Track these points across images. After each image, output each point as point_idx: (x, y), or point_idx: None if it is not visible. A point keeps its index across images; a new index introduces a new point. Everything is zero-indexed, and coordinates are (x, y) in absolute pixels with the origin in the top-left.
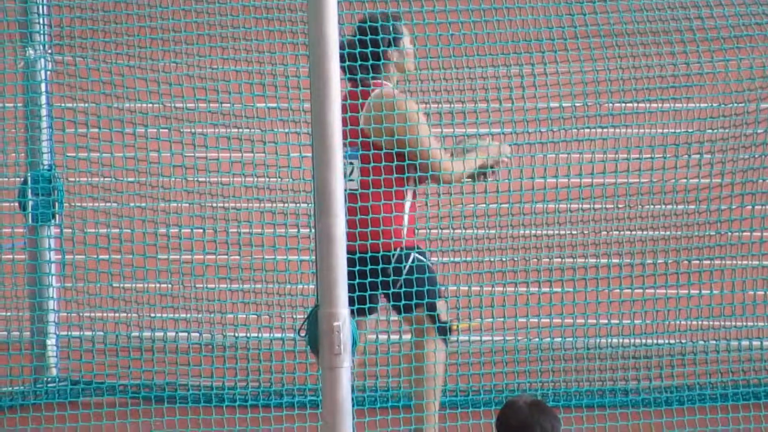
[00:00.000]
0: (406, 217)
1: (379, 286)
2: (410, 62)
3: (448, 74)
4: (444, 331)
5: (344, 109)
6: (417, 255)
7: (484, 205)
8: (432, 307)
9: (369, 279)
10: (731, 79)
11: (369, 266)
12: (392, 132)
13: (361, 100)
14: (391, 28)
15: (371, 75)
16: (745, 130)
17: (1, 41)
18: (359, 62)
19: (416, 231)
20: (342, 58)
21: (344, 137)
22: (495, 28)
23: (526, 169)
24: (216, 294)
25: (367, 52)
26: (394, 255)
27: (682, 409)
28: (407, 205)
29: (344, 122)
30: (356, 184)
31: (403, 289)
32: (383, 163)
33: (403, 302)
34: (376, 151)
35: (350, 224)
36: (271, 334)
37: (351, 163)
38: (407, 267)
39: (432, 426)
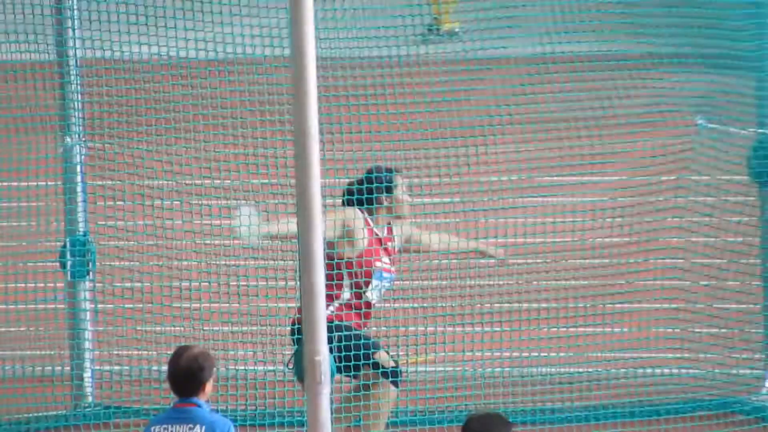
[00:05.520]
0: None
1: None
2: (404, 208)
3: (409, 153)
4: (394, 374)
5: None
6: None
7: (437, 261)
8: (375, 364)
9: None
10: (638, 157)
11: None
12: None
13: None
14: (384, 179)
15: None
16: (648, 198)
17: (44, 131)
18: (361, 198)
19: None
20: (350, 193)
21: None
22: (446, 116)
23: (472, 232)
24: (220, 335)
25: (363, 195)
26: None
27: (598, 424)
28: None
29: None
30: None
31: (343, 360)
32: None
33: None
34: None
35: None
36: (265, 367)
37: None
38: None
39: None
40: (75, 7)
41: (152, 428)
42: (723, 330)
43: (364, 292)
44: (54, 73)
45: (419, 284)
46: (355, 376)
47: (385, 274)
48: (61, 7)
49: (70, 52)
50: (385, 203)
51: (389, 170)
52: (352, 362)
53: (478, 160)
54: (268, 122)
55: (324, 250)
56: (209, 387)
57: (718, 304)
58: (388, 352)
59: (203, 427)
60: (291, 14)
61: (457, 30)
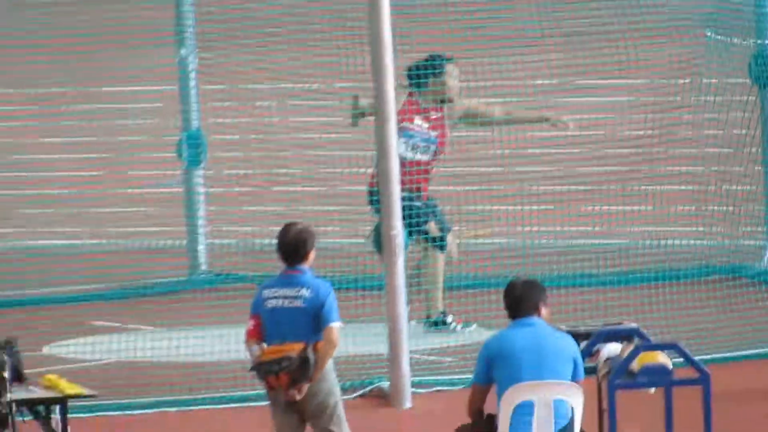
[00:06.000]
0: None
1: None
2: (450, 90)
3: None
4: (441, 241)
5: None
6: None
7: (493, 151)
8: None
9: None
10: (657, 63)
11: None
12: None
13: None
14: (435, 65)
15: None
16: (666, 98)
17: (165, 44)
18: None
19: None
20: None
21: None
22: (498, 30)
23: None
24: (311, 213)
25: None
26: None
27: (627, 287)
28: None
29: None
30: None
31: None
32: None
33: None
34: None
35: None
36: (350, 240)
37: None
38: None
39: (437, 303)
40: None
41: (263, 291)
42: (730, 208)
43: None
44: None
45: (477, 170)
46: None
47: (413, 132)
48: None
49: None
50: (431, 86)
51: (442, 58)
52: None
53: (524, 66)
54: (348, 35)
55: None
56: (312, 256)
57: (726, 186)
58: (436, 223)
59: (309, 290)
60: None
61: None
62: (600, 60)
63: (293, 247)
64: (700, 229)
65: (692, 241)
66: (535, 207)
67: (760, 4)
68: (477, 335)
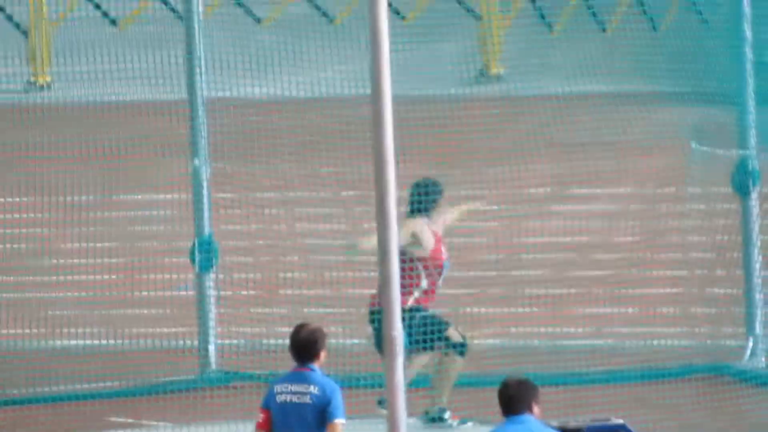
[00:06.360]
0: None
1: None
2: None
3: (466, 171)
4: (462, 347)
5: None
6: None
7: (487, 256)
8: (446, 338)
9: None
10: (645, 173)
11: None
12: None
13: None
14: (438, 190)
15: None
16: (653, 205)
17: (178, 155)
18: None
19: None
20: (418, 203)
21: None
22: (495, 141)
23: (515, 233)
24: (316, 315)
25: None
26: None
27: (615, 385)
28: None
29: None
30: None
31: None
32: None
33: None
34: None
35: None
36: (352, 341)
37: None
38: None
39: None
40: (202, 56)
41: (275, 387)
42: (713, 310)
43: (438, 280)
44: (185, 108)
45: (473, 275)
46: (431, 348)
47: (447, 263)
48: (191, 57)
49: (198, 93)
50: (438, 208)
51: (435, 183)
52: (429, 336)
53: (520, 176)
54: (354, 146)
55: (399, 254)
56: (323, 356)
57: (709, 289)
58: (456, 329)
59: (317, 387)
60: (372, 61)
61: (501, 73)
62: (589, 170)
63: (304, 345)
64: (684, 329)
65: (677, 341)
66: (527, 309)
67: (742, 118)
68: (473, 431)
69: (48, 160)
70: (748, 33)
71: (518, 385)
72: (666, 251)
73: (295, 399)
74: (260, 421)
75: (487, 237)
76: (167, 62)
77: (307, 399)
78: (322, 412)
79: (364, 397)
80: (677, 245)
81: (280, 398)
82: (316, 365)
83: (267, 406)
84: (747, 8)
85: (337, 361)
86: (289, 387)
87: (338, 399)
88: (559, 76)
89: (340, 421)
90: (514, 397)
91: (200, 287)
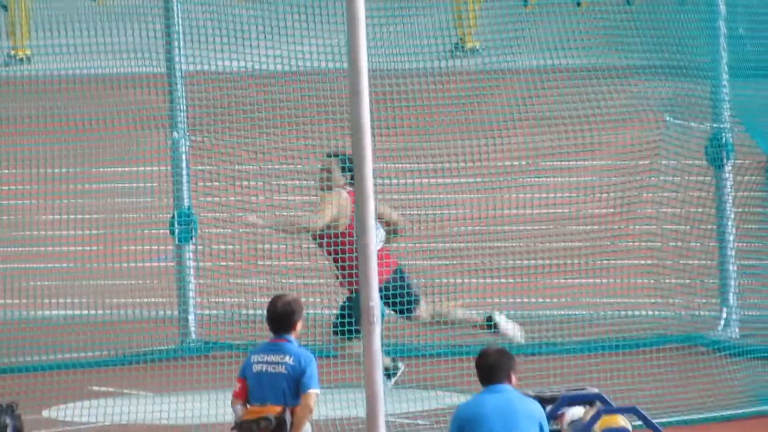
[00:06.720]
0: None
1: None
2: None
3: (441, 144)
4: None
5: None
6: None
7: (465, 227)
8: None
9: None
10: (620, 146)
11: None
12: None
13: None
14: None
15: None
16: (628, 178)
17: (158, 128)
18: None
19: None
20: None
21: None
22: (470, 115)
23: (491, 205)
24: (294, 286)
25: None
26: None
27: (589, 355)
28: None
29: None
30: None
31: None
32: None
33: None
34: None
35: None
36: (330, 311)
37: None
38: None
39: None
40: (180, 29)
41: (252, 357)
42: (687, 281)
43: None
44: (164, 82)
45: (449, 246)
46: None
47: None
48: (169, 30)
49: (177, 66)
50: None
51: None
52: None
53: (495, 149)
54: (330, 120)
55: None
56: (299, 327)
57: (683, 260)
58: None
59: (292, 357)
60: (348, 34)
61: (477, 47)
62: (564, 143)
63: (281, 317)
64: (658, 300)
65: (651, 312)
66: (504, 280)
67: (716, 91)
68: (451, 400)
69: (28, 133)
70: (722, 7)
71: (497, 355)
72: (640, 223)
73: (270, 369)
74: (237, 390)
75: (463, 209)
76: (146, 35)
77: (282, 369)
78: (296, 382)
79: (342, 367)
80: (651, 217)
81: (256, 368)
82: (292, 336)
83: (243, 375)
84: None
85: (315, 332)
86: (265, 357)
87: (313, 369)
88: (534, 49)
89: (314, 391)
90: (493, 367)
91: (180, 258)
